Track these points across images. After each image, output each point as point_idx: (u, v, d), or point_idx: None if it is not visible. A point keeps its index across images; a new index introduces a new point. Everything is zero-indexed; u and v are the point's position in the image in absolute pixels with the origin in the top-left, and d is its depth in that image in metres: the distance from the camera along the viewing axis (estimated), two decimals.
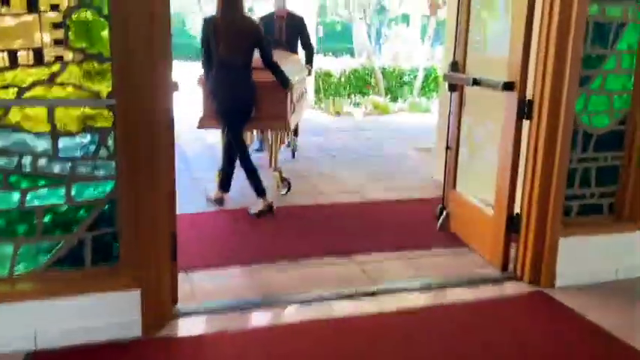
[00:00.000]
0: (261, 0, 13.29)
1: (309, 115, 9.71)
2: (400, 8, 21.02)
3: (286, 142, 6.73)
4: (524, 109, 3.14)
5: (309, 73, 6.72)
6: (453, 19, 4.39)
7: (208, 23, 4.38)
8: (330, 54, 30.45)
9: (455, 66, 3.87)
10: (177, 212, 2.77)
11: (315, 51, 7.07)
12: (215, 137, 5.83)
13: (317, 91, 11.43)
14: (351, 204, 4.89)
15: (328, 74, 11.71)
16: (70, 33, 2.31)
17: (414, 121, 10.17)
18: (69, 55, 2.33)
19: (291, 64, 6.14)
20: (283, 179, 5.12)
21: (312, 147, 7.37)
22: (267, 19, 6.56)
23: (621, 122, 3.30)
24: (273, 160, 5.20)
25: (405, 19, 28.68)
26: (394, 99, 12.07)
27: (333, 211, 4.69)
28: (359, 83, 12.15)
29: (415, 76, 12.50)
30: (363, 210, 4.74)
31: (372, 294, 3.12)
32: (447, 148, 4.06)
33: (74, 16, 2.31)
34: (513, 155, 3.22)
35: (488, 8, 3.83)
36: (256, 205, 4.48)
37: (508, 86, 3.16)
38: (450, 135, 4.03)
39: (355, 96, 11.99)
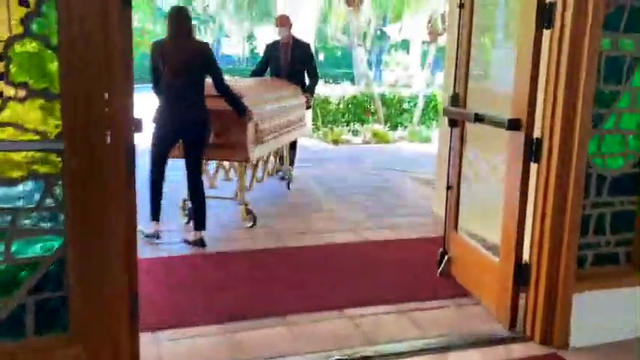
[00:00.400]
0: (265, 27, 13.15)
1: (307, 143, 9.44)
2: (400, 35, 20.92)
3: (281, 174, 6.49)
4: (532, 150, 2.82)
5: (308, 103, 6.52)
6: (452, 46, 4.11)
7: (156, 46, 4.25)
8: (330, 80, 30.48)
9: (455, 99, 3.57)
10: (143, 256, 2.44)
11: (318, 79, 6.88)
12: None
13: (315, 119, 11.15)
14: (346, 244, 4.56)
15: (326, 101, 11.46)
16: (11, 66, 2.01)
17: (413, 150, 9.88)
18: (10, 91, 2.02)
19: (283, 90, 5.93)
20: (248, 212, 4.92)
21: (308, 178, 7.06)
22: (273, 47, 6.50)
23: (636, 164, 2.98)
24: (239, 191, 5.01)
25: (405, 45, 28.65)
26: (394, 127, 11.80)
27: (325, 252, 4.35)
28: (358, 110, 11.90)
29: (415, 104, 12.26)
30: (359, 251, 4.39)
31: (368, 359, 2.77)
32: (448, 187, 3.74)
33: (17, 47, 2.01)
34: (520, 201, 2.89)
35: (490, 36, 3.55)
36: (190, 234, 4.41)
37: (513, 124, 2.85)
38: (450, 173, 3.71)
39: (354, 124, 11.74)
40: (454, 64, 3.63)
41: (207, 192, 4.58)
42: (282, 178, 6.52)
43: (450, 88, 3.89)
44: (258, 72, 6.58)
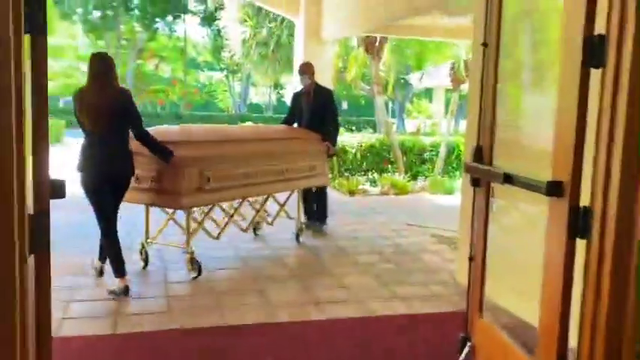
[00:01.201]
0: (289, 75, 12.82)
1: None
2: (422, 82, 20.54)
3: (301, 226, 6.11)
4: (579, 222, 2.18)
5: (330, 152, 6.18)
6: (476, 92, 3.55)
7: (75, 96, 4.14)
8: (353, 128, 30.19)
9: (479, 153, 2.97)
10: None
11: (339, 127, 6.67)
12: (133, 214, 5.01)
13: (331, 168, 10.61)
14: (348, 321, 3.89)
15: (343, 150, 10.92)
16: None
17: (435, 202, 9.23)
18: None
19: (273, 135, 5.59)
20: (193, 261, 4.68)
21: (318, 232, 6.49)
22: (298, 94, 6.48)
23: None
24: (186, 240, 4.73)
25: (429, 93, 28.31)
26: (414, 177, 11.19)
27: (322, 333, 3.68)
28: (376, 159, 11.33)
29: (437, 153, 11.66)
30: (363, 333, 3.72)
31: None
32: (470, 259, 3.10)
33: None
34: (564, 287, 2.24)
35: (520, 79, 2.97)
36: (114, 285, 4.20)
37: (554, 189, 2.22)
38: (473, 243, 3.08)
39: (372, 173, 11.17)
40: (477, 111, 3.05)
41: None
42: (300, 231, 6.09)
43: (472, 139, 3.30)
44: (287, 121, 6.53)
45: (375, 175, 11.14)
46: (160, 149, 4.29)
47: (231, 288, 4.56)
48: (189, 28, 37.82)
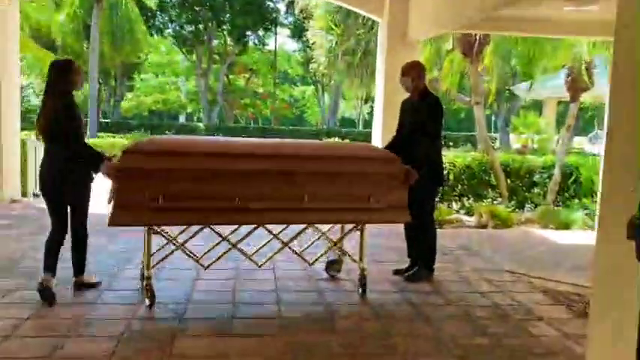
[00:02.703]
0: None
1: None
2: (530, 93, 18.16)
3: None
4: None
5: (408, 179, 4.41)
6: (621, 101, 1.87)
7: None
8: (451, 144, 28.05)
9: None
10: None
11: (430, 145, 4.92)
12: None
13: None
14: None
15: None
16: None
17: (547, 240, 7.29)
18: None
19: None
20: (148, 289, 4.05)
21: (384, 280, 4.91)
22: (404, 102, 5.26)
23: None
24: (145, 263, 4.15)
25: (538, 105, 25.66)
26: (520, 205, 9.24)
27: None
28: (473, 182, 9.48)
29: (550, 176, 9.60)
30: None
31: None
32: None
33: None
34: None
35: None
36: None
37: None
38: None
39: (468, 199, 9.35)
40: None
41: None
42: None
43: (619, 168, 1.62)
44: (395, 136, 5.21)
45: (471, 201, 9.32)
46: (87, 155, 4.08)
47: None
48: (280, 41, 37.32)
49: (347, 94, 33.36)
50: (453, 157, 9.62)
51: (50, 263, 4.11)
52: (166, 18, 32.07)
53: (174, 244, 4.34)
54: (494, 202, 9.33)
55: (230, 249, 4.39)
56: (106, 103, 33.95)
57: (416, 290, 4.75)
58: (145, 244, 4.13)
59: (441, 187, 6.40)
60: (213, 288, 4.62)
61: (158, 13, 31.70)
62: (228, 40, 33.76)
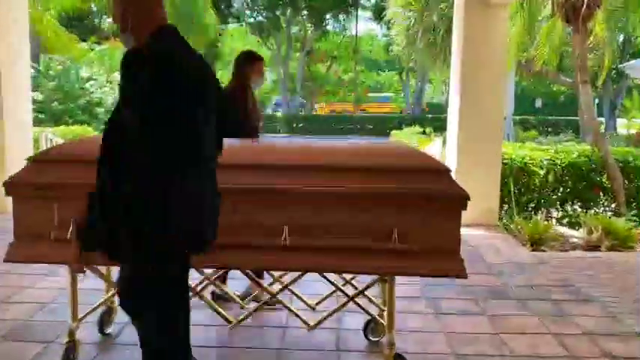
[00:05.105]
0: None
1: (481, 246, 5.48)
2: None
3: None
4: None
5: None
6: None
7: None
8: (549, 130, 25.13)
9: None
10: None
11: None
12: None
13: (505, 200, 7.01)
14: None
15: (524, 169, 7.21)
16: None
17: None
18: None
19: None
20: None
21: (437, 342, 3.20)
22: None
23: None
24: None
25: None
26: None
27: None
28: (579, 184, 7.42)
29: None
30: None
31: None
32: None
33: None
34: None
35: None
36: None
37: None
38: None
39: (572, 206, 7.33)
40: None
41: None
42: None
43: None
44: None
45: (577, 207, 7.29)
46: None
47: None
48: (361, 25, 35.40)
49: (433, 78, 31.03)
50: (553, 154, 7.55)
51: None
52: (241, 5, 31.14)
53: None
54: (607, 210, 7.26)
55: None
56: None
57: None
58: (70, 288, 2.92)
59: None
60: None
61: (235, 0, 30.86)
62: (307, 25, 32.35)
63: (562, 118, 28.63)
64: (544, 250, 5.83)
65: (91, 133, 8.84)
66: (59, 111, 15.31)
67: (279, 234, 2.56)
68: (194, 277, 2.95)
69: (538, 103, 35.56)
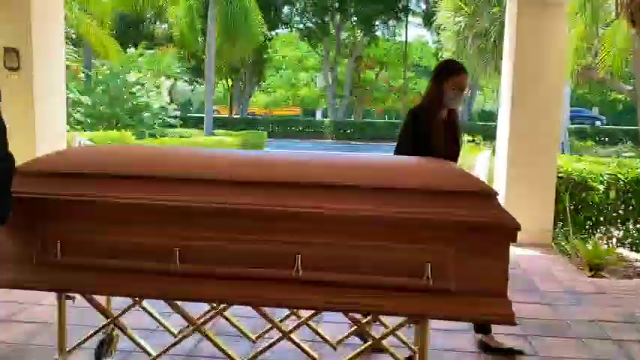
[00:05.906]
0: None
1: (529, 265, 4.94)
2: None
3: None
4: None
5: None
6: None
7: None
8: (606, 140, 23.82)
9: None
10: None
11: None
12: None
13: (560, 218, 6.40)
14: None
15: (584, 185, 6.58)
16: None
17: None
18: None
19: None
20: None
21: None
22: None
23: None
24: None
25: None
26: None
27: None
28: None
29: None
30: None
31: None
32: None
33: None
34: None
35: None
36: None
37: None
38: None
39: (635, 225, 6.65)
40: None
41: None
42: None
43: None
44: None
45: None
46: None
47: None
48: (411, 31, 34.77)
49: (484, 84, 30.11)
50: (615, 167, 6.88)
51: None
52: (290, 10, 31.04)
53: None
54: None
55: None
56: (237, 101, 33.66)
57: None
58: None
59: None
60: None
61: (284, 6, 30.78)
62: (357, 32, 31.98)
63: (619, 127, 27.22)
64: (605, 277, 5.23)
65: (130, 139, 8.69)
66: (107, 115, 15.45)
67: (289, 265, 2.16)
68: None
69: (594, 112, 34.24)
